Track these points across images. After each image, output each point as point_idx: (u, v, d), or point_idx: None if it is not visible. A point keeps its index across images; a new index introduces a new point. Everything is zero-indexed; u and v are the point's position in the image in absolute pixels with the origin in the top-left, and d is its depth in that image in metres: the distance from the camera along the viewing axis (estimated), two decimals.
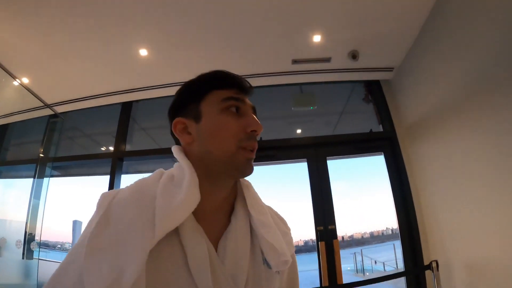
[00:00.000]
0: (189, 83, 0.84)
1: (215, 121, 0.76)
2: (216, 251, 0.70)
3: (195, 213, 0.70)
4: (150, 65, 3.24)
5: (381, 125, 3.79)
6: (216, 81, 0.80)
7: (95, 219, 0.65)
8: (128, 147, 3.81)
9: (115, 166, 3.57)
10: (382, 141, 3.67)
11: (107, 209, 0.65)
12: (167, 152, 3.67)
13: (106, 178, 3.59)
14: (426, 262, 3.15)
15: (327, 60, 3.30)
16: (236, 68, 3.16)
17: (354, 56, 3.21)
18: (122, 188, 0.73)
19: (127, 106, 3.89)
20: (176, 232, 0.67)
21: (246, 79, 0.84)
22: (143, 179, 0.75)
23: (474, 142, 2.53)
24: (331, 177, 3.53)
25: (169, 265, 0.64)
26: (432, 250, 3.23)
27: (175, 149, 0.82)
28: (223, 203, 0.79)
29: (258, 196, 0.85)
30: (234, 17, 2.75)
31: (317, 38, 3.02)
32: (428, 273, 3.09)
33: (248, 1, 2.61)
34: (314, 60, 3.30)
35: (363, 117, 4.08)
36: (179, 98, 0.84)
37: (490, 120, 2.33)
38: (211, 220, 0.74)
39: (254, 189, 0.86)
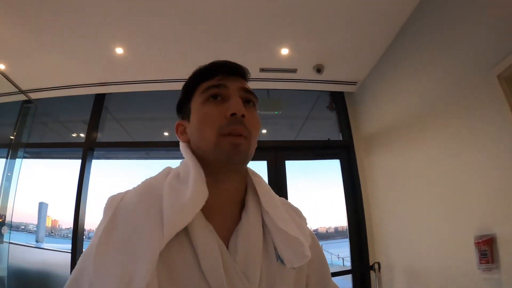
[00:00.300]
0: (184, 84, 0.84)
1: (198, 115, 0.76)
2: (227, 248, 0.68)
3: (204, 210, 0.67)
4: (125, 62, 3.36)
5: (340, 134, 4.03)
6: (200, 75, 0.80)
7: (102, 224, 0.65)
8: (99, 135, 3.91)
9: (86, 155, 3.68)
10: (339, 149, 3.93)
11: (113, 213, 0.65)
12: (138, 145, 3.86)
13: (77, 162, 3.70)
14: (371, 263, 3.41)
15: (293, 71, 3.50)
16: None
17: (319, 70, 3.42)
18: (129, 190, 0.72)
19: (100, 97, 3.99)
20: (185, 231, 0.65)
21: None
22: (150, 179, 0.75)
23: (419, 159, 2.80)
24: (296, 174, 3.78)
25: (181, 265, 0.63)
26: (377, 252, 3.49)
27: (181, 146, 0.81)
28: (232, 198, 0.77)
29: (270, 190, 0.82)
30: (206, 26, 2.90)
31: (285, 51, 3.21)
32: (372, 272, 3.37)
33: (220, 15, 2.77)
34: (281, 70, 3.49)
35: (326, 123, 4.33)
36: (178, 101, 0.86)
37: (434, 141, 2.60)
38: (220, 217, 0.72)
39: (265, 183, 0.83)
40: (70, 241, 3.39)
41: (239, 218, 0.74)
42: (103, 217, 0.67)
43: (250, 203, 0.76)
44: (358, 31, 2.99)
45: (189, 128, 0.80)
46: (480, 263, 2.07)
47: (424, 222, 2.73)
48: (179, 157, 0.81)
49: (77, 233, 3.37)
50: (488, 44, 2.02)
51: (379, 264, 3.35)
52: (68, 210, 3.50)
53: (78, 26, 2.85)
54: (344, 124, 3.98)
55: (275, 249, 0.73)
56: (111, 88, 3.82)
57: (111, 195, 0.72)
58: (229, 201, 0.76)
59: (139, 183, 0.75)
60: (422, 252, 2.75)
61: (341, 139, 4.00)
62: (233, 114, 0.71)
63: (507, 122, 1.88)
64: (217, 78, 0.77)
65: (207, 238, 0.65)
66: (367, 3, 2.67)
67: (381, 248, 3.43)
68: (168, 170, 0.78)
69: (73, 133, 4.36)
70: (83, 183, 3.55)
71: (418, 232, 2.81)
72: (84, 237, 3.49)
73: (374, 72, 3.55)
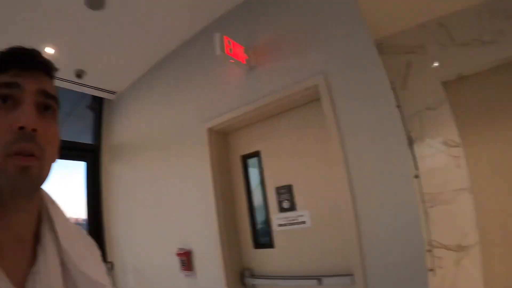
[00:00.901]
0: None
1: None
2: None
3: None
4: None
5: (93, 137, 4.15)
6: None
7: None
8: None
9: None
10: (87, 152, 4.06)
11: None
12: None
13: None
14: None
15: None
16: None
17: (78, 75, 3.47)
18: None
19: None
20: None
21: None
22: None
23: (148, 176, 3.42)
24: None
25: None
26: (114, 253, 3.79)
27: None
28: (25, 231, 0.61)
29: (68, 221, 0.70)
30: None
31: (49, 50, 3.13)
32: None
33: None
34: None
35: (87, 123, 4.29)
36: None
37: (159, 165, 3.29)
38: (11, 256, 0.57)
39: (63, 213, 0.69)
40: None
41: (34, 255, 0.61)
42: None
43: (47, 237, 0.63)
44: (121, 51, 3.33)
45: None
46: (182, 269, 2.86)
47: (147, 230, 3.34)
48: None
49: None
50: (208, 105, 2.85)
51: (112, 263, 3.66)
52: None
53: None
54: (97, 129, 4.14)
55: None
56: None
57: None
58: (22, 235, 0.61)
59: None
60: (146, 255, 3.35)
61: (91, 142, 4.12)
62: (21, 128, 0.56)
63: (207, 162, 2.75)
64: (11, 73, 0.60)
65: None
66: (130, 32, 3.04)
67: (116, 249, 3.78)
68: None
69: None
70: None
71: (143, 237, 3.39)
72: None
73: (132, 88, 3.91)
